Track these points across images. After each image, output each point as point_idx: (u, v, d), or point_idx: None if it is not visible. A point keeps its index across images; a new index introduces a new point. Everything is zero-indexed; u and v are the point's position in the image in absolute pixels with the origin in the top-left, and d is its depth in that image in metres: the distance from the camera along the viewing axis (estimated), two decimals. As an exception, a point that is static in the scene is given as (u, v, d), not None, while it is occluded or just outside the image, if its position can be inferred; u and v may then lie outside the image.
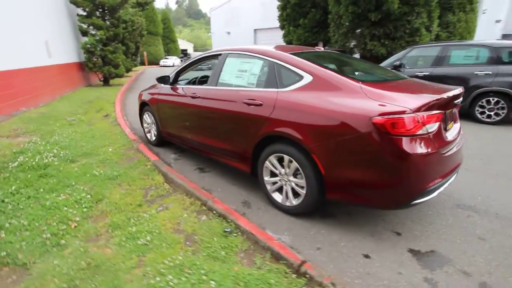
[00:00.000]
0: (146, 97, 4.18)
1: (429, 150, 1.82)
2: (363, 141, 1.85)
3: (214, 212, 2.37)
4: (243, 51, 2.83)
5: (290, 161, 2.29)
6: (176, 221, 2.30)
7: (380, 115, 1.79)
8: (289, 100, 2.24)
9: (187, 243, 2.04)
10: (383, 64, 6.74)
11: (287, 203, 2.43)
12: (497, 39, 12.17)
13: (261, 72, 2.57)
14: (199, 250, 1.95)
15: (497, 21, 16.88)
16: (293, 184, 2.35)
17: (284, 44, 14.36)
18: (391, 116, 1.77)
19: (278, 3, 13.85)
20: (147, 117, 4.30)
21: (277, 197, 2.52)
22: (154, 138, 4.27)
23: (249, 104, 2.51)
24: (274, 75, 2.45)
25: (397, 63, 6.37)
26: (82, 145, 4.15)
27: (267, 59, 2.55)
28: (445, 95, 2.01)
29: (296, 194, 2.37)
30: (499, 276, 1.75)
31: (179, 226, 2.23)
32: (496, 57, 5.39)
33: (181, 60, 30.97)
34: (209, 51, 3.34)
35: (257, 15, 26.22)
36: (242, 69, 2.77)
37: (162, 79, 3.67)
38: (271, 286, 1.60)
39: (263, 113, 2.39)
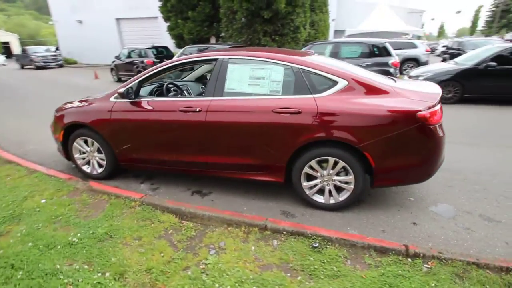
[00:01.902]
0: (79, 117, 3.09)
1: (443, 133, 2.42)
2: (410, 132, 2.25)
3: (284, 232, 2.21)
4: (250, 57, 2.62)
5: (336, 162, 2.43)
6: (251, 258, 2.00)
7: (421, 110, 2.22)
8: (332, 105, 2.34)
9: (289, 275, 1.86)
10: (175, 57, 8.07)
11: (332, 201, 2.58)
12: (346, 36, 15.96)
13: (286, 79, 2.50)
14: (310, 277, 1.83)
15: (333, 20, 21.96)
16: (337, 182, 2.52)
17: (175, 37, 13.39)
18: (428, 110, 2.23)
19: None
20: (82, 145, 3.20)
21: (319, 198, 2.62)
22: (100, 170, 3.25)
23: (281, 113, 2.41)
24: (304, 82, 2.45)
25: (176, 58, 7.72)
26: (-17, 206, 2.64)
27: (289, 65, 2.49)
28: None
29: (338, 191, 2.56)
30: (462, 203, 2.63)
31: (261, 262, 1.97)
32: (370, 51, 7.26)
33: (16, 58, 23.01)
34: (191, 56, 2.82)
35: (119, 2, 22.65)
36: (256, 76, 2.57)
37: (122, 94, 2.81)
38: (405, 277, 1.77)
39: (303, 121, 2.37)
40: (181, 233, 2.30)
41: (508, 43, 7.02)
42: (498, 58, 6.22)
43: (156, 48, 11.98)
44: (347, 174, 2.47)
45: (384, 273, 1.83)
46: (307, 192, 2.61)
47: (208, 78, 2.73)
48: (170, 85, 3.49)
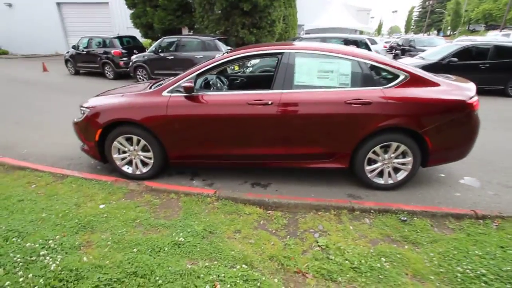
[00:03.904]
0: (126, 114, 2.86)
1: None
2: (460, 117, 2.67)
3: (371, 211, 2.45)
4: (317, 51, 2.74)
5: (398, 147, 2.75)
6: (355, 236, 2.19)
7: (469, 98, 2.65)
8: (398, 96, 2.63)
9: (396, 245, 2.11)
10: (148, 51, 9.12)
11: (390, 181, 2.91)
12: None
13: (354, 72, 2.70)
14: (415, 245, 2.11)
15: (293, 16, 22.68)
16: (396, 165, 2.85)
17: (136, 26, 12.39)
18: (473, 99, 2.67)
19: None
20: (124, 144, 2.97)
21: (379, 180, 2.92)
22: (146, 169, 3.07)
23: (353, 104, 2.62)
24: (371, 75, 2.68)
25: (153, 48, 8.89)
26: (40, 219, 2.30)
27: (357, 60, 2.70)
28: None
29: (395, 172, 2.90)
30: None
31: (366, 238, 2.18)
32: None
33: None
34: (253, 50, 2.81)
35: (57, -16, 19.82)
36: (325, 69, 2.72)
37: (190, 88, 2.68)
38: (485, 234, 2.18)
39: (373, 111, 2.62)
40: (274, 222, 2.37)
41: (464, 42, 8.28)
42: (459, 54, 7.36)
43: (121, 37, 10.98)
44: (404, 156, 2.82)
45: (469, 233, 2.21)
46: (369, 175, 2.89)
47: (275, 70, 2.77)
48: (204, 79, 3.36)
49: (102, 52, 10.60)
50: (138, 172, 3.09)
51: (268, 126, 2.74)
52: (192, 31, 12.16)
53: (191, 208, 2.50)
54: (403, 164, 2.84)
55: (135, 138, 2.94)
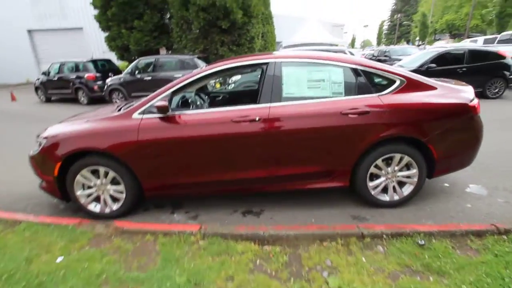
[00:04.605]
0: (89, 142, 2.43)
1: None
2: (463, 121, 2.47)
3: (384, 236, 2.11)
4: (305, 59, 2.49)
5: (401, 158, 2.48)
6: (371, 270, 1.84)
7: (470, 101, 2.45)
8: (397, 102, 2.39)
9: (419, 278, 1.77)
10: (124, 73, 8.91)
11: (396, 197, 2.61)
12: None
13: (347, 80, 2.45)
14: (440, 275, 1.78)
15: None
16: (401, 178, 2.57)
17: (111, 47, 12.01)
18: (474, 101, 2.48)
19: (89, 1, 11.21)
20: (89, 177, 2.53)
21: (384, 197, 2.62)
22: (116, 206, 2.61)
23: (349, 114, 2.35)
24: (366, 81, 2.44)
25: (129, 70, 8.64)
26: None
27: (348, 66, 2.46)
28: None
29: (400, 186, 2.61)
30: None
31: (384, 272, 1.82)
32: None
33: None
34: (235, 61, 2.51)
35: (30, 12, 19.18)
36: (316, 78, 2.45)
37: (164, 108, 2.30)
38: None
39: (371, 120, 2.35)
40: (273, 261, 1.98)
41: (438, 48, 8.50)
42: (436, 60, 7.49)
43: (95, 61, 10.53)
44: (409, 168, 2.55)
45: (496, 253, 1.92)
46: (372, 192, 2.58)
47: (260, 83, 2.48)
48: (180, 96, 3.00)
49: (74, 77, 10.07)
50: (107, 210, 2.62)
51: (257, 145, 2.40)
52: (170, 51, 11.93)
53: (171, 252, 2.07)
54: (408, 177, 2.56)
55: (102, 170, 2.50)
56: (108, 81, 9.21)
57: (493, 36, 14.25)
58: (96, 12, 11.36)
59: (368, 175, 2.52)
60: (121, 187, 2.55)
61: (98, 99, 9.87)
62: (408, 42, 46.93)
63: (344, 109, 2.35)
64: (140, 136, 2.38)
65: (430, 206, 2.64)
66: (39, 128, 2.84)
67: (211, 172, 2.50)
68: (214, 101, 3.85)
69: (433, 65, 7.42)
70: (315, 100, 2.40)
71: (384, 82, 2.49)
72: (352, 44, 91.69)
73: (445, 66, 7.43)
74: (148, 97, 2.48)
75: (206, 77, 2.50)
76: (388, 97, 2.41)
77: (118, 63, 13.26)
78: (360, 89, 2.44)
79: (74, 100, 10.29)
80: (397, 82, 2.47)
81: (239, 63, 2.50)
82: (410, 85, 2.47)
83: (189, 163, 2.48)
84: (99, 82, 9.75)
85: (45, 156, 2.54)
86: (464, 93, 2.54)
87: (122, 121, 2.44)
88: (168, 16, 11.43)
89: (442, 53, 7.58)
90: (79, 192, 2.57)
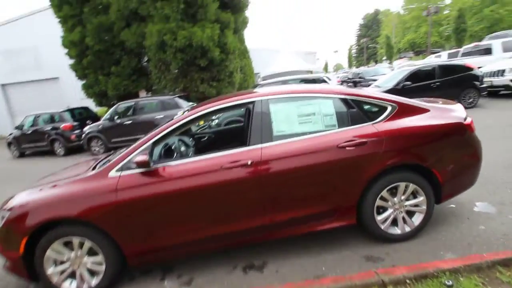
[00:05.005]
0: (60, 210, 2.11)
1: None
2: (462, 141, 2.40)
3: (407, 281, 1.85)
4: (292, 93, 2.38)
5: (406, 186, 2.32)
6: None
7: (464, 119, 2.40)
8: (392, 129, 2.28)
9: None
10: (103, 119, 8.65)
11: (407, 229, 2.40)
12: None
13: (338, 111, 2.34)
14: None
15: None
16: (409, 207, 2.39)
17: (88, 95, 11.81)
18: (468, 119, 2.43)
19: (63, 50, 11.20)
20: (62, 251, 2.18)
21: (395, 230, 2.40)
22: (96, 280, 2.23)
23: (347, 147, 2.20)
24: (357, 110, 2.34)
25: (108, 116, 8.50)
26: None
27: (337, 96, 2.37)
28: None
29: (410, 215, 2.42)
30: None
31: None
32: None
33: None
34: (218, 103, 2.35)
35: (1, 66, 18.92)
36: (306, 113, 2.32)
37: (146, 163, 2.06)
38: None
39: (370, 150, 2.22)
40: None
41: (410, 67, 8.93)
42: (410, 77, 7.81)
43: (71, 110, 10.23)
44: (415, 196, 2.39)
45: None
46: (382, 226, 2.37)
47: (248, 124, 2.32)
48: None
49: (50, 128, 9.67)
50: (85, 287, 2.23)
51: (252, 191, 2.17)
52: (150, 93, 11.87)
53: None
54: (416, 205, 2.39)
55: (76, 240, 2.16)
56: (86, 129, 8.89)
57: (455, 50, 15.37)
58: (71, 61, 11.30)
59: (374, 209, 2.32)
60: (100, 258, 2.19)
61: (76, 148, 9.43)
62: (376, 62, 50.16)
63: (340, 142, 2.21)
64: (119, 196, 2.10)
65: (443, 234, 2.45)
66: (11, 189, 2.48)
67: (203, 227, 2.21)
68: (200, 143, 3.65)
69: (408, 82, 7.71)
70: (308, 135, 2.25)
71: (375, 109, 2.40)
72: (326, 69, 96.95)
73: (419, 83, 7.74)
74: (126, 151, 2.24)
75: (188, 122, 2.31)
76: (382, 125, 2.30)
77: (97, 109, 13.01)
78: (353, 119, 2.33)
79: (50, 153, 9.78)
80: (389, 108, 2.38)
81: (224, 104, 2.35)
82: (403, 110, 2.39)
83: (177, 220, 2.19)
84: (77, 131, 9.39)
85: (9, 232, 2.18)
86: (456, 112, 2.50)
87: (97, 181, 2.16)
88: (145, 59, 11.54)
89: (414, 70, 7.95)
90: (50, 270, 2.19)
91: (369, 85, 10.74)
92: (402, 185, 2.31)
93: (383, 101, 2.40)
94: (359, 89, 2.74)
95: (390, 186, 2.30)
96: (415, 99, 2.63)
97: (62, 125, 9.53)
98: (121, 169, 2.17)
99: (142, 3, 9.58)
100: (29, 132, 10.00)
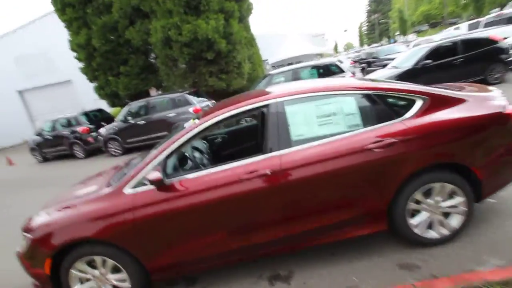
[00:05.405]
0: (80, 231, 2.08)
1: None
2: (503, 131, 2.13)
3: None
4: (309, 93, 2.19)
5: (442, 187, 2.12)
6: None
7: (504, 108, 2.13)
8: (424, 125, 2.06)
9: None
10: (118, 118, 8.74)
11: (444, 232, 2.21)
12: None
13: (361, 108, 2.13)
14: None
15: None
16: (446, 209, 2.19)
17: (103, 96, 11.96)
18: (509, 107, 2.16)
19: (73, 53, 11.28)
20: (86, 269, 2.16)
21: (431, 234, 2.21)
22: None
23: (373, 149, 2.01)
24: (383, 106, 2.13)
25: (121, 117, 8.57)
26: None
27: (360, 93, 2.16)
28: None
29: (447, 216, 2.22)
30: None
31: None
32: (327, 70, 7.65)
33: None
34: (230, 108, 2.19)
35: (16, 72, 19.43)
36: (326, 113, 2.14)
37: (159, 181, 1.97)
38: None
39: (402, 151, 2.01)
40: None
41: (430, 43, 8.35)
42: (431, 55, 7.28)
43: (87, 113, 10.39)
44: (452, 196, 2.18)
45: None
46: (416, 230, 2.19)
47: (263, 128, 2.16)
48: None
49: (68, 132, 9.89)
50: (112, 303, 2.22)
51: (272, 201, 2.05)
52: (160, 90, 11.86)
53: None
54: (453, 206, 2.19)
55: (98, 259, 2.14)
56: (102, 131, 9.02)
57: (475, 20, 14.27)
58: (81, 65, 11.39)
59: (407, 212, 2.14)
60: (124, 275, 2.16)
61: (94, 150, 9.62)
62: (388, 38, 47.83)
63: (366, 143, 2.02)
64: (136, 214, 2.03)
65: (485, 235, 2.24)
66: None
67: (223, 241, 2.12)
68: (214, 145, 3.54)
69: (429, 61, 7.19)
70: (329, 138, 2.07)
71: (404, 103, 2.17)
72: (336, 49, 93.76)
73: (440, 60, 7.21)
74: (139, 166, 2.15)
75: (200, 133, 2.18)
76: (413, 121, 2.08)
77: (110, 110, 13.19)
78: (379, 117, 2.12)
79: (71, 156, 10.05)
80: (419, 102, 2.15)
81: (235, 110, 2.18)
82: (435, 102, 2.15)
83: (196, 235, 2.11)
84: (94, 134, 9.54)
85: (33, 253, 2.19)
86: (495, 100, 2.22)
87: (113, 200, 2.09)
88: (152, 56, 11.45)
89: (435, 47, 7.39)
90: (79, 286, 2.19)
91: (384, 66, 10.19)
92: (437, 185, 2.11)
93: (412, 94, 2.17)
94: (382, 81, 2.49)
95: (423, 188, 2.10)
96: (446, 87, 2.37)
97: (79, 129, 9.72)
98: (136, 185, 2.10)
99: (144, -1, 9.40)
100: (49, 137, 10.29)
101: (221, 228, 2.10)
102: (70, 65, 17.99)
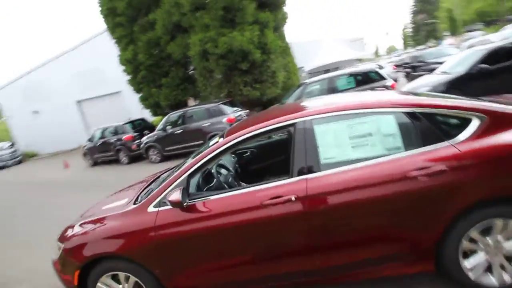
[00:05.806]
0: (105, 246, 2.14)
1: None
2: None
3: None
4: (341, 111, 1.99)
5: (505, 225, 1.75)
6: None
7: None
8: (483, 149, 1.73)
9: None
10: (157, 129, 9.26)
11: (508, 278, 1.82)
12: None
13: (402, 128, 1.88)
14: None
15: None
16: (510, 249, 1.81)
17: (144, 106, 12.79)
18: None
19: (122, 67, 12.30)
20: (110, 284, 2.21)
21: (490, 279, 1.84)
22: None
23: (418, 176, 1.74)
24: (429, 126, 1.85)
25: (161, 126, 9.07)
26: None
27: (401, 111, 1.90)
28: None
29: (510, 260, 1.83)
30: None
31: None
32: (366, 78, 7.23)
33: None
34: (256, 128, 2.09)
35: (77, 85, 21.90)
36: (360, 134, 1.93)
37: (178, 202, 1.94)
38: None
39: (453, 179, 1.71)
40: None
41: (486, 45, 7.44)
42: (487, 58, 6.44)
43: (132, 122, 11.20)
44: (517, 234, 1.79)
45: None
46: (471, 275, 1.84)
47: (290, 149, 2.01)
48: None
49: (115, 139, 10.74)
50: (136, 320, 2.23)
51: (297, 231, 1.89)
52: (197, 100, 12.32)
53: None
54: (520, 247, 1.79)
55: (122, 275, 2.17)
56: (144, 139, 9.62)
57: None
58: (129, 77, 12.35)
59: (460, 252, 1.81)
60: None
61: (137, 157, 10.28)
62: (436, 39, 44.15)
63: (408, 169, 1.76)
64: (158, 233, 2.02)
65: None
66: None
67: (243, 268, 2.01)
68: (242, 159, 3.46)
69: (485, 65, 6.36)
70: (364, 162, 1.85)
71: (456, 122, 1.87)
72: (376, 54, 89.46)
73: (500, 64, 6.32)
74: (162, 185, 2.16)
75: (223, 152, 2.11)
76: (468, 144, 1.77)
77: (152, 119, 14.06)
78: (425, 139, 1.83)
79: (116, 161, 10.86)
80: (475, 120, 1.83)
81: (260, 129, 2.08)
82: (497, 121, 1.81)
83: (215, 258, 2.03)
84: (137, 141, 10.21)
85: (65, 263, 2.31)
86: None
87: (137, 217, 2.12)
88: (191, 68, 11.98)
89: (493, 49, 6.54)
90: (102, 303, 2.24)
91: (432, 70, 9.31)
92: (499, 222, 1.75)
93: (466, 111, 1.85)
94: (427, 95, 2.19)
95: (480, 225, 1.76)
96: (510, 101, 1.99)
97: (124, 136, 10.49)
98: (159, 204, 2.09)
99: (183, 15, 9.90)
100: (99, 143, 11.28)
101: (241, 254, 2.00)
102: (120, 78, 19.79)
